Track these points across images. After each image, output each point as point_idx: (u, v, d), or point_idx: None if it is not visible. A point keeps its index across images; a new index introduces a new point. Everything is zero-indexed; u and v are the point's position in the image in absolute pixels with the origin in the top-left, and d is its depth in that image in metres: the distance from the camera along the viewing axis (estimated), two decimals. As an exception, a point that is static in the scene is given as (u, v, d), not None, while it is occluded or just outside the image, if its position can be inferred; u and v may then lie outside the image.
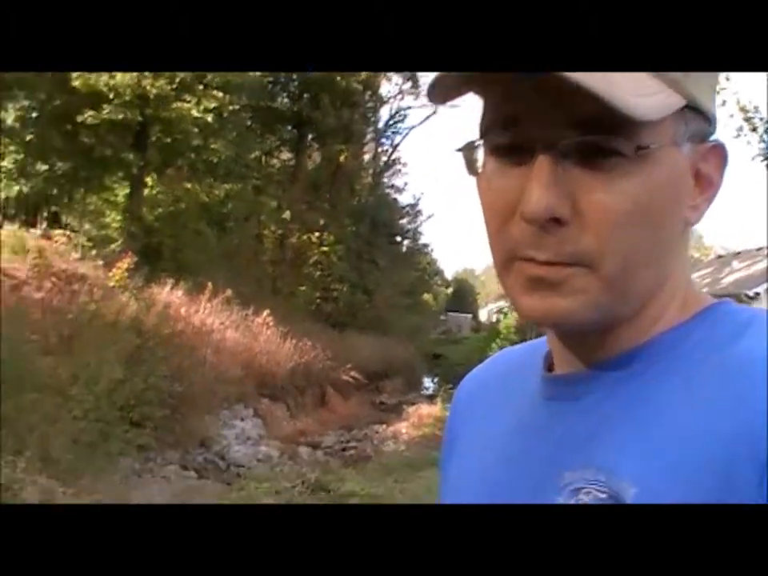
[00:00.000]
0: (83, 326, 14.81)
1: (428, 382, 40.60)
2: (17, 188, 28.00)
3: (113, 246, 25.25)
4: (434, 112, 47.57)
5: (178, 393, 15.26)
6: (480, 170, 0.96)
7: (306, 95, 37.00)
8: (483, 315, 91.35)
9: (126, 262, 19.74)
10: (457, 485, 1.17)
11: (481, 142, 0.95)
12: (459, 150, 0.97)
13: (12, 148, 26.67)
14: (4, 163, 27.37)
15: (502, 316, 52.34)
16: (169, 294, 20.93)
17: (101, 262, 20.61)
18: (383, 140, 48.04)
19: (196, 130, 24.77)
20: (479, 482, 1.08)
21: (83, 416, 11.08)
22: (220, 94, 24.60)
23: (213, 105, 24.38)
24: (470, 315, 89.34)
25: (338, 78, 36.25)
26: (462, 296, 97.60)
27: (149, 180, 28.12)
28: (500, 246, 0.94)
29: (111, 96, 22.87)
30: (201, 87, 24.47)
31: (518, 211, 0.89)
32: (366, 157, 47.86)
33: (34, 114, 25.24)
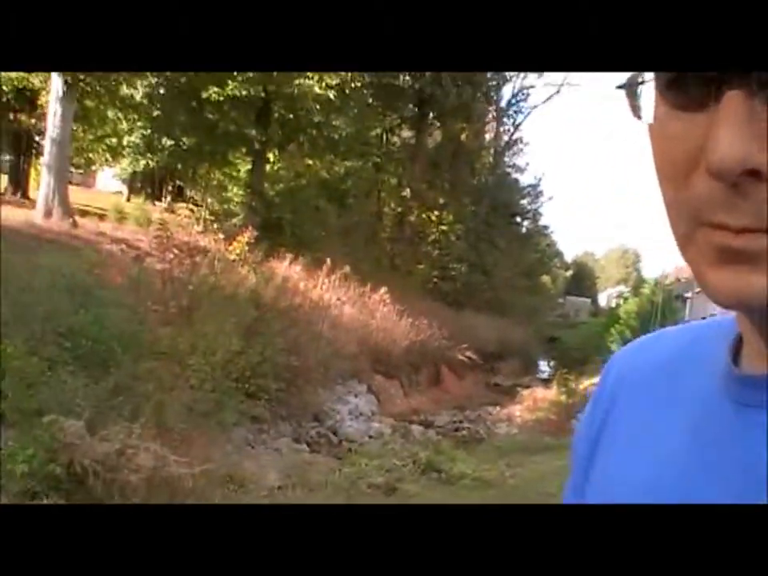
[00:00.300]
0: (203, 297, 15.06)
1: (544, 366, 40.26)
2: (143, 162, 28.83)
3: (234, 220, 25.76)
4: (557, 91, 46.91)
5: (294, 366, 15.39)
6: (648, 114, 0.77)
7: (427, 73, 36.86)
8: (602, 300, 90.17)
9: (246, 236, 20.04)
10: (607, 481, 0.98)
11: (649, 76, 0.76)
12: (620, 87, 0.79)
13: (139, 124, 27.43)
14: (132, 138, 28.18)
15: (621, 301, 51.49)
16: (287, 268, 21.19)
17: (222, 236, 20.96)
18: (505, 119, 47.58)
19: (318, 106, 24.95)
20: (643, 483, 0.91)
21: (199, 386, 11.26)
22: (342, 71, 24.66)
23: (335, 82, 24.46)
24: (588, 299, 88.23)
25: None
26: (581, 279, 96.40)
27: (270, 156, 28.52)
28: (680, 209, 0.74)
29: (235, 72, 23.15)
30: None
31: (702, 164, 0.69)
32: (488, 136, 47.53)
33: (161, 91, 25.83)
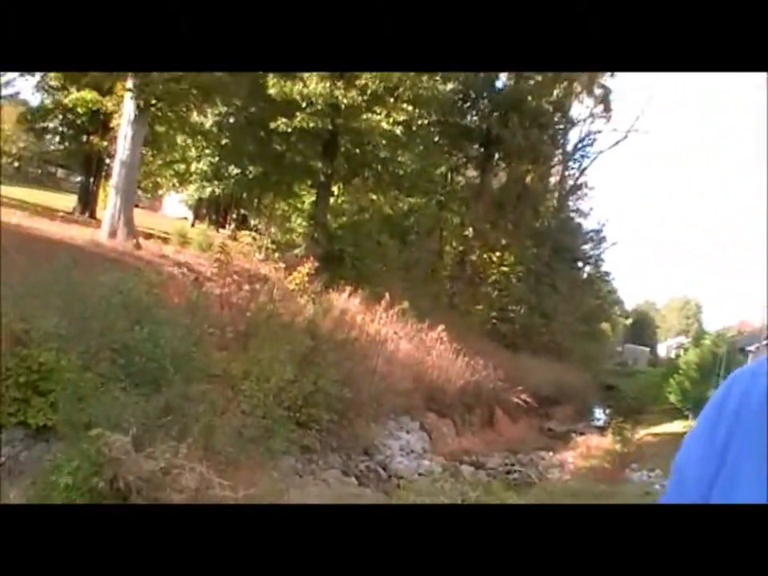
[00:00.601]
0: (260, 324, 15.11)
1: (599, 413, 39.71)
2: (210, 189, 29.17)
3: (296, 251, 25.87)
4: (625, 137, 46.52)
5: (347, 399, 15.33)
6: None
7: (495, 113, 36.88)
8: (661, 350, 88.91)
9: (307, 267, 20.12)
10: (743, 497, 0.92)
11: None
12: None
13: (207, 151, 27.81)
14: (200, 165, 28.57)
15: (681, 351, 50.68)
16: (346, 300, 21.21)
17: (282, 265, 21.06)
18: (570, 163, 47.35)
19: (384, 141, 25.03)
20: None
21: (250, 411, 11.24)
22: (410, 108, 24.74)
23: (402, 118, 24.54)
24: (647, 348, 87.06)
25: (529, 98, 36.02)
26: (641, 328, 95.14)
27: (335, 188, 28.68)
28: None
29: (304, 104, 23.36)
30: (391, 100, 24.68)
31: None
32: (553, 179, 47.32)
33: (231, 120, 26.17)
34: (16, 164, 39.88)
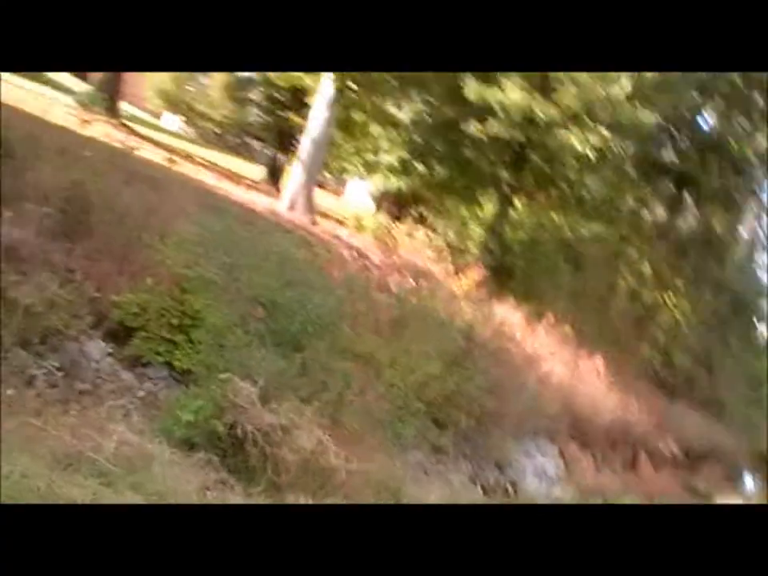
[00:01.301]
0: (416, 316, 15.07)
1: (748, 480, 37.83)
2: (395, 182, 29.31)
3: (468, 257, 25.71)
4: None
5: (489, 408, 15.11)
6: None
7: (694, 153, 35.60)
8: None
9: (475, 273, 20.01)
10: None
11: None
12: None
13: (398, 145, 27.97)
14: (389, 158, 28.77)
15: None
16: (508, 312, 20.95)
17: (452, 267, 21.00)
18: (764, 215, 45.21)
19: (575, 162, 24.54)
20: None
21: (388, 396, 11.22)
22: (606, 133, 24.15)
23: (597, 141, 23.98)
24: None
25: (732, 143, 34.61)
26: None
27: (517, 201, 28.34)
28: None
29: (500, 113, 23.15)
30: (590, 121, 24.17)
31: None
32: (743, 229, 45.35)
33: (425, 117, 26.22)
34: (218, 130, 41.35)
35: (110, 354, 9.36)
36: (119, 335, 9.54)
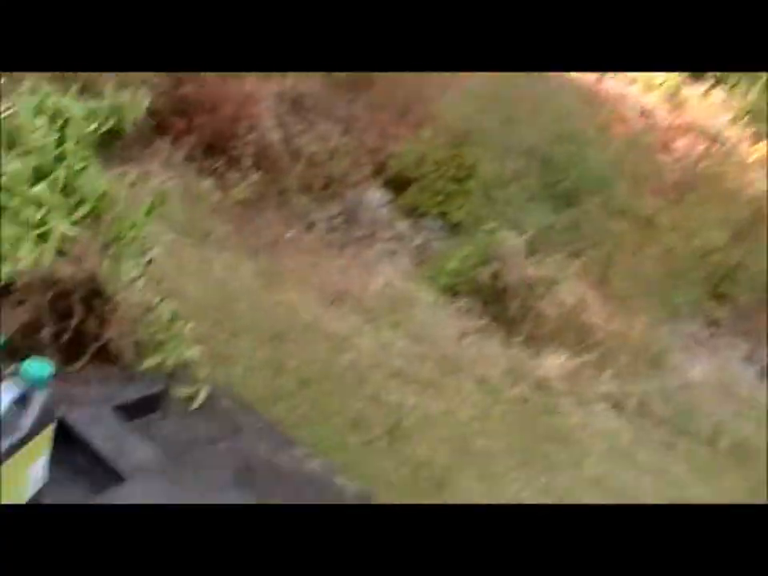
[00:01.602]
0: (704, 182, 14.20)
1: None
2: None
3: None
4: None
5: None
6: None
7: None
8: None
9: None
10: None
11: None
12: None
13: None
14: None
15: None
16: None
17: (749, 133, 19.58)
18: None
19: None
20: None
21: (664, 261, 10.92)
22: None
23: None
24: None
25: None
26: None
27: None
28: None
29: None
30: None
31: None
32: None
33: None
34: None
35: (387, 203, 9.73)
36: (397, 185, 9.86)
